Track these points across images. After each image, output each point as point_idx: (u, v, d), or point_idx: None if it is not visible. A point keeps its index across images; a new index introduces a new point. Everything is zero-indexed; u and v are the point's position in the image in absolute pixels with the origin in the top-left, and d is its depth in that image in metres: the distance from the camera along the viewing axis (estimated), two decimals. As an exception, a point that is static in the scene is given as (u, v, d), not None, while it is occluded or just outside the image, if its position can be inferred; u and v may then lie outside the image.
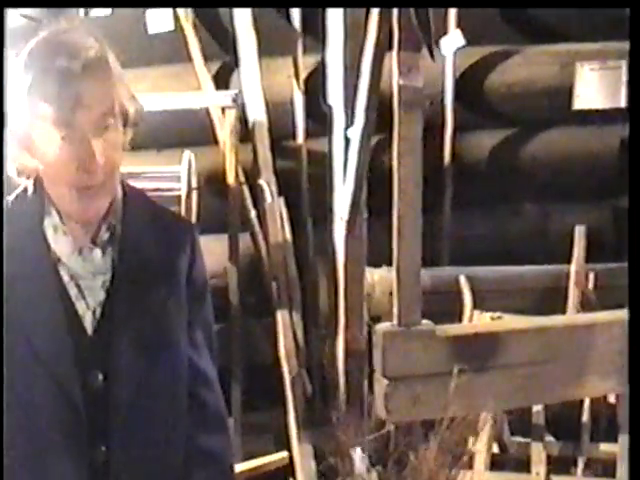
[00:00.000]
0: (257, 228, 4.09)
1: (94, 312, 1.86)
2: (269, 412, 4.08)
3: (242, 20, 4.13)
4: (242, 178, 4.12)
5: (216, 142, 4.05)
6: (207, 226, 3.95)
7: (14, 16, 3.81)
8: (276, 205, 3.97)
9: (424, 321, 2.79)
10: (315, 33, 3.96)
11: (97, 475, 1.85)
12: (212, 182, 4.13)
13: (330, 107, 3.62)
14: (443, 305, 3.92)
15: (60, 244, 1.85)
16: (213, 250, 4.08)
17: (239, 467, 3.41)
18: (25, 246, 1.85)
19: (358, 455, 2.94)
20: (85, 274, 1.86)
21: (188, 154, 3.78)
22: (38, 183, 1.87)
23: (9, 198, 1.91)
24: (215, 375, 2.05)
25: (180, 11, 4.18)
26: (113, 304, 1.87)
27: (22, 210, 1.88)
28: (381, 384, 2.72)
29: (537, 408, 3.88)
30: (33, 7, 2.68)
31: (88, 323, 1.85)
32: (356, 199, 3.33)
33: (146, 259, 1.91)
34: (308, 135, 4.22)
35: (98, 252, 1.87)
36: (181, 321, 1.94)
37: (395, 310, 2.75)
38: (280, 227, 3.94)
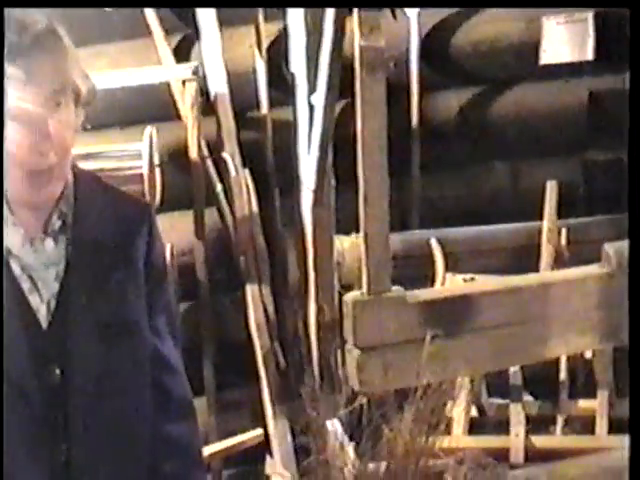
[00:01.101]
0: (223, 202, 4.03)
1: (48, 304, 1.81)
2: (244, 389, 4.05)
3: (198, -11, 4.04)
4: (206, 152, 4.05)
5: (179, 117, 3.97)
6: (172, 203, 3.97)
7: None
8: (241, 178, 3.91)
9: (394, 287, 2.75)
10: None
11: (59, 474, 1.81)
12: (176, 158, 4.06)
13: (293, 75, 3.57)
14: (415, 270, 3.89)
15: (10, 236, 1.79)
16: (179, 227, 4.08)
17: (213, 447, 3.38)
18: None
19: (333, 430, 2.90)
20: (37, 265, 1.81)
21: (149, 130, 3.70)
22: None
23: None
24: (179, 361, 2.02)
25: (137, -16, 4.08)
26: (68, 295, 1.81)
27: None
28: (352, 354, 2.69)
29: (514, 369, 3.86)
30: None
31: (42, 316, 1.81)
32: (322, 167, 3.29)
33: (100, 246, 1.85)
34: (272, 105, 4.15)
35: (50, 242, 1.82)
36: (141, 307, 1.90)
37: (364, 278, 2.70)
38: (246, 200, 3.89)
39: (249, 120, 4.20)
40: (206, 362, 4.05)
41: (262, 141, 4.16)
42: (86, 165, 3.87)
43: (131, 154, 3.78)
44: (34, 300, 1.80)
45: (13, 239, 1.79)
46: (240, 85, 4.11)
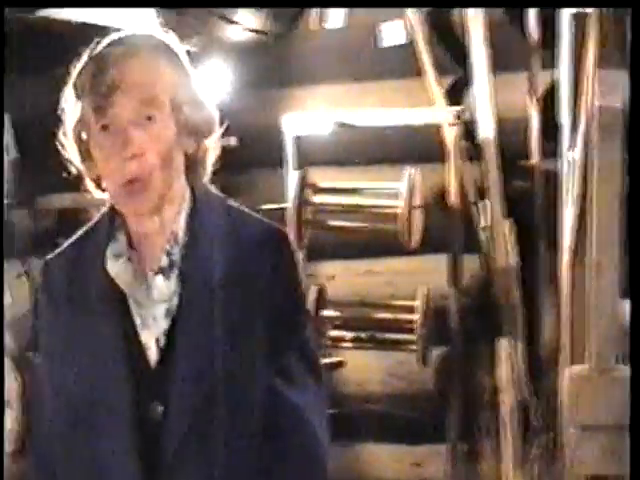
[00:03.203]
0: (485, 250, 3.93)
1: (157, 341, 1.76)
2: (482, 441, 3.94)
3: (476, 33, 4.00)
4: (472, 197, 3.97)
5: (444, 160, 3.91)
6: (431, 246, 3.92)
7: (237, 30, 3.87)
8: (504, 227, 3.80)
9: (620, 366, 2.58)
10: (553, 47, 3.75)
11: None
12: (439, 200, 4.02)
13: (560, 126, 3.42)
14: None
15: (122, 272, 1.77)
16: (435, 270, 4.00)
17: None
18: (90, 275, 1.80)
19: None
20: (148, 302, 1.77)
21: (409, 170, 3.67)
22: (111, 210, 1.82)
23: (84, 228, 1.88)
24: (317, 407, 1.83)
25: (415, 23, 4.10)
26: (178, 333, 1.75)
27: (91, 238, 1.84)
28: (569, 430, 2.57)
29: None
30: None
31: (152, 353, 1.76)
32: (581, 225, 3.10)
33: (214, 281, 1.76)
34: (544, 155, 4.01)
35: (160, 278, 1.77)
36: (259, 345, 1.77)
37: (587, 352, 2.61)
38: (507, 251, 3.77)
39: (517, 169, 4.09)
40: (451, 410, 3.97)
41: (530, 191, 4.05)
42: (343, 199, 3.96)
43: (390, 192, 3.77)
44: (144, 336, 1.77)
45: (125, 275, 1.77)
46: (510, 132, 4.02)
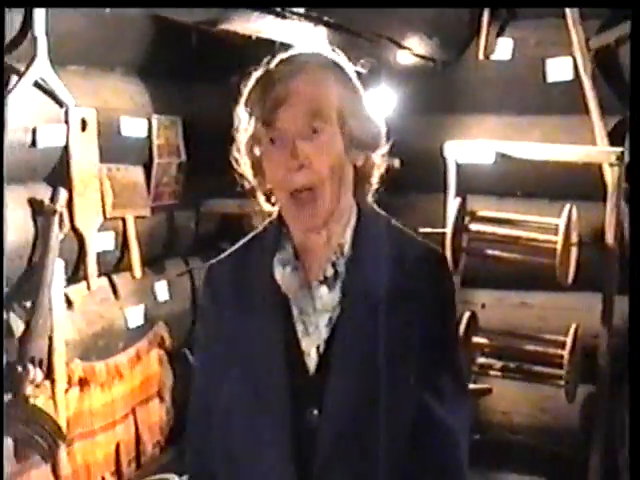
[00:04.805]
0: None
1: (318, 349, 1.81)
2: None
3: (642, 74, 3.95)
4: (628, 238, 3.94)
5: (602, 199, 3.91)
6: (585, 283, 3.91)
7: (406, 55, 3.94)
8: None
9: None
10: None
11: None
12: (594, 239, 4.00)
13: None
14: None
15: (288, 280, 1.83)
16: (587, 308, 3.99)
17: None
18: (255, 281, 1.85)
19: None
20: (311, 310, 1.82)
21: (569, 207, 3.68)
22: (278, 220, 1.87)
23: (250, 235, 1.93)
24: (464, 429, 1.87)
25: (579, 61, 4.11)
26: (337, 342, 1.80)
27: (258, 245, 1.89)
28: None
29: None
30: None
31: (312, 360, 1.81)
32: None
33: (375, 295, 1.80)
34: None
35: (324, 289, 1.82)
36: (414, 361, 1.81)
37: None
38: (660, 294, 3.71)
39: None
40: (593, 448, 3.93)
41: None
42: (500, 230, 3.99)
43: (548, 227, 3.78)
44: (305, 343, 1.82)
45: (291, 283, 1.83)
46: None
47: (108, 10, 2.93)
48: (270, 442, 1.80)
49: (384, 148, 1.86)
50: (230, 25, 2.78)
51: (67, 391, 3.07)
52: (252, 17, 2.74)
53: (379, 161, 1.87)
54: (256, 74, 1.80)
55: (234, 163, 1.85)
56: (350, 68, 1.85)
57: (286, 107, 1.73)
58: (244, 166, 1.84)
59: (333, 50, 1.86)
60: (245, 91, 1.80)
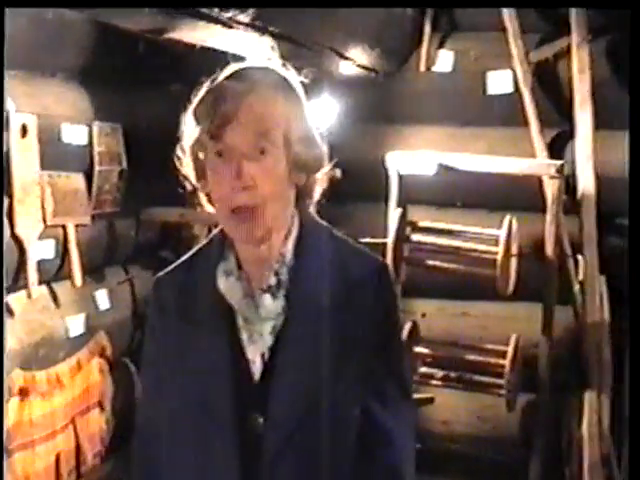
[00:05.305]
0: (578, 303, 3.96)
1: (263, 357, 1.84)
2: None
3: (582, 88, 4.03)
4: (567, 250, 4.00)
5: (544, 211, 3.95)
6: (525, 294, 3.95)
7: (349, 66, 3.95)
8: (599, 282, 3.81)
9: None
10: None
11: None
12: (536, 250, 4.03)
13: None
14: None
15: (232, 289, 1.85)
16: (528, 318, 4.04)
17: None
18: (201, 292, 1.87)
19: None
20: (256, 319, 1.85)
21: (509, 218, 3.71)
22: (221, 231, 1.89)
23: (195, 248, 1.95)
24: (407, 433, 1.91)
25: (519, 74, 4.16)
26: (281, 349, 1.83)
27: (203, 257, 1.91)
28: None
29: None
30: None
31: (256, 368, 1.84)
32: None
33: (318, 303, 1.83)
34: (643, 216, 4.00)
35: (268, 297, 1.84)
36: (358, 367, 1.84)
37: None
38: (598, 306, 3.79)
39: (614, 226, 4.10)
40: (533, 456, 3.96)
41: (625, 250, 4.03)
42: (441, 240, 4.02)
43: (489, 238, 3.82)
44: (250, 351, 1.84)
45: (235, 293, 1.85)
46: (610, 189, 4.01)
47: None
48: (216, 449, 1.82)
49: (326, 168, 1.88)
50: (176, 34, 2.77)
51: (7, 401, 3.03)
52: (198, 26, 2.73)
53: (321, 177, 1.89)
54: (207, 85, 1.80)
55: (177, 163, 1.86)
56: (298, 85, 1.87)
57: (235, 125, 1.74)
58: (187, 167, 1.85)
59: (283, 65, 1.86)
60: (194, 100, 1.81)
